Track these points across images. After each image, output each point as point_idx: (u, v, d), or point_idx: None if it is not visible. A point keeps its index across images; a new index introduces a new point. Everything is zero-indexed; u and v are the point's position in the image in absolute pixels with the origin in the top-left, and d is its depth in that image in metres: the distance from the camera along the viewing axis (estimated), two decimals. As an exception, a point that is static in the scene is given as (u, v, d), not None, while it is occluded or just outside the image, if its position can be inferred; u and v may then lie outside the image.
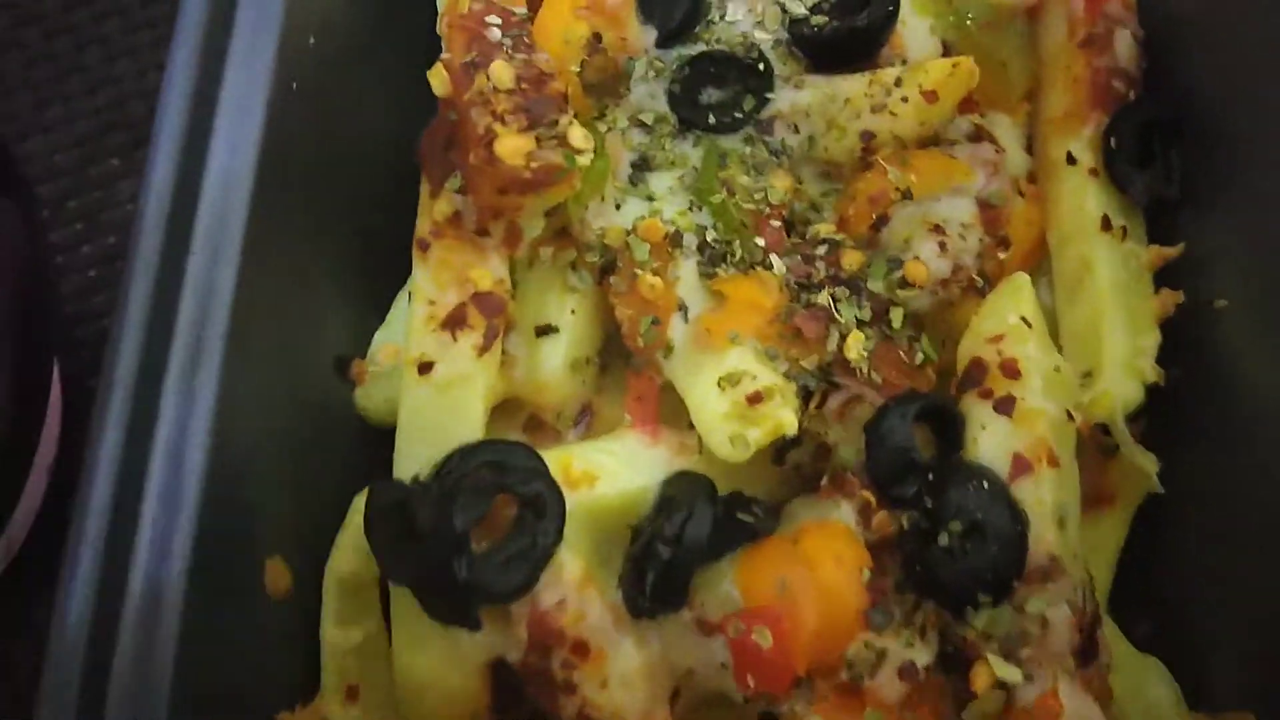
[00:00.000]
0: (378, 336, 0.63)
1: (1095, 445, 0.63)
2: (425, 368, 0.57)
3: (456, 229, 0.57)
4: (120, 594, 0.49)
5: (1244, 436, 0.61)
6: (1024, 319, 0.60)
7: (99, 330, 0.75)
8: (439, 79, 0.57)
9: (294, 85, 0.56)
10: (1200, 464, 0.62)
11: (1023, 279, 0.61)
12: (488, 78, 0.54)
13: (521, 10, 0.59)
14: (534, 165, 0.53)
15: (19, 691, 0.69)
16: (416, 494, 0.52)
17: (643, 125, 0.66)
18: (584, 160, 0.55)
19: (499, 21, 0.57)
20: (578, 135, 0.54)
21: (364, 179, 0.63)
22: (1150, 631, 0.62)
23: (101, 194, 0.78)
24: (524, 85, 0.54)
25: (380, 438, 0.62)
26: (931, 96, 0.61)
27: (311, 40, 0.58)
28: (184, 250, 0.55)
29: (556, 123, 0.53)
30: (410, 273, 0.64)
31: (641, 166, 0.65)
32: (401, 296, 0.64)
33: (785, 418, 0.54)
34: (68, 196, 0.78)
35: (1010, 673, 0.49)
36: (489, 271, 0.57)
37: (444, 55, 0.57)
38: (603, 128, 0.65)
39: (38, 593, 0.70)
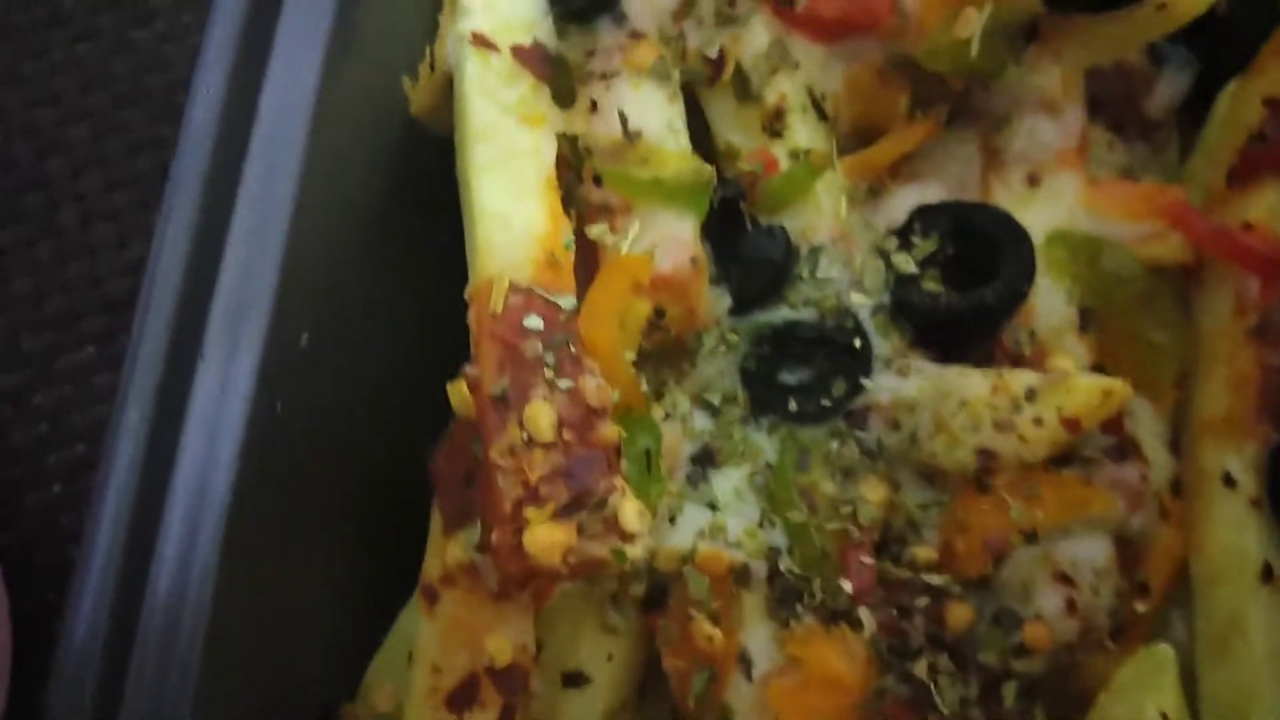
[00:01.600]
0: (374, 666, 0.53)
1: None
2: (427, 753, 0.46)
3: (473, 581, 0.46)
4: None
5: None
6: (1164, 716, 0.48)
7: (64, 555, 0.65)
8: (461, 399, 0.45)
9: (278, 406, 0.45)
10: None
11: (1167, 655, 0.50)
12: (521, 426, 0.42)
13: (569, 301, 0.47)
14: (568, 561, 0.41)
15: None
16: None
17: (708, 407, 0.54)
18: (635, 551, 0.43)
19: (540, 325, 0.45)
20: (630, 516, 0.43)
21: (367, 477, 0.52)
22: None
23: (72, 388, 0.68)
24: (566, 436, 0.42)
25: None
26: (1072, 425, 0.49)
27: (305, 340, 0.47)
28: (148, 559, 0.46)
29: (604, 501, 0.42)
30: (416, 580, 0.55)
31: (704, 460, 0.53)
32: (405, 614, 0.53)
33: None
34: (36, 386, 0.68)
35: None
36: (509, 641, 0.46)
37: (469, 369, 0.45)
38: (660, 412, 0.53)
39: None
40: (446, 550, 0.47)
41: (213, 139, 0.50)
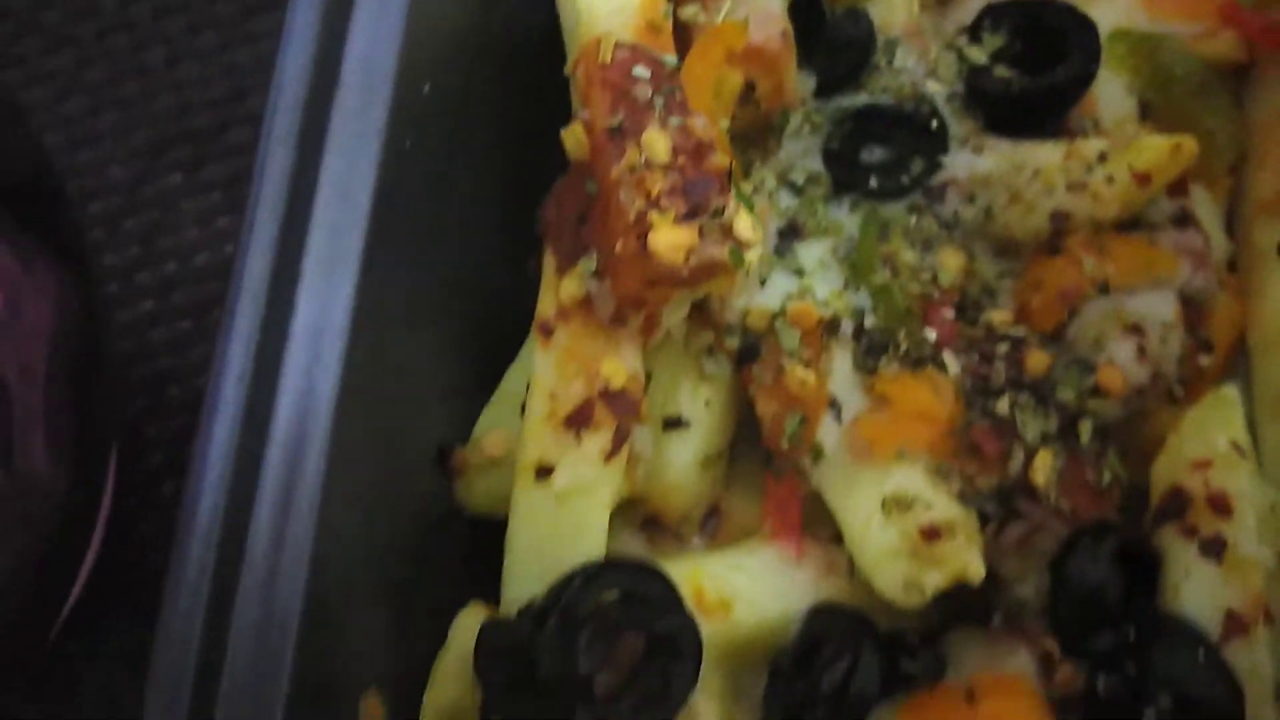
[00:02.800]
0: (483, 418, 0.55)
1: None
2: (543, 473, 0.49)
3: (586, 313, 0.49)
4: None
5: None
6: (1235, 444, 0.51)
7: (157, 373, 0.68)
8: (576, 141, 0.48)
9: (407, 142, 0.48)
10: None
11: (1232, 394, 0.53)
12: (640, 150, 0.45)
13: (672, 59, 0.50)
14: (691, 263, 0.44)
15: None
16: (536, 639, 0.45)
17: (793, 186, 0.57)
18: (752, 255, 0.46)
19: (648, 74, 0.48)
20: (745, 226, 0.46)
21: (474, 240, 0.55)
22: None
23: (160, 214, 0.70)
24: (681, 160, 0.45)
25: (481, 532, 0.55)
26: (1144, 179, 0.52)
27: (427, 88, 0.49)
28: (283, 337, 0.48)
29: (721, 210, 0.45)
30: (521, 345, 0.57)
31: (790, 235, 0.56)
32: (509, 376, 0.56)
33: (972, 562, 0.47)
34: (122, 215, 0.71)
35: None
36: (622, 365, 0.49)
37: (582, 114, 0.48)
38: (748, 188, 0.56)
39: (84, 664, 0.64)
40: (561, 288, 0.50)
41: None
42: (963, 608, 0.53)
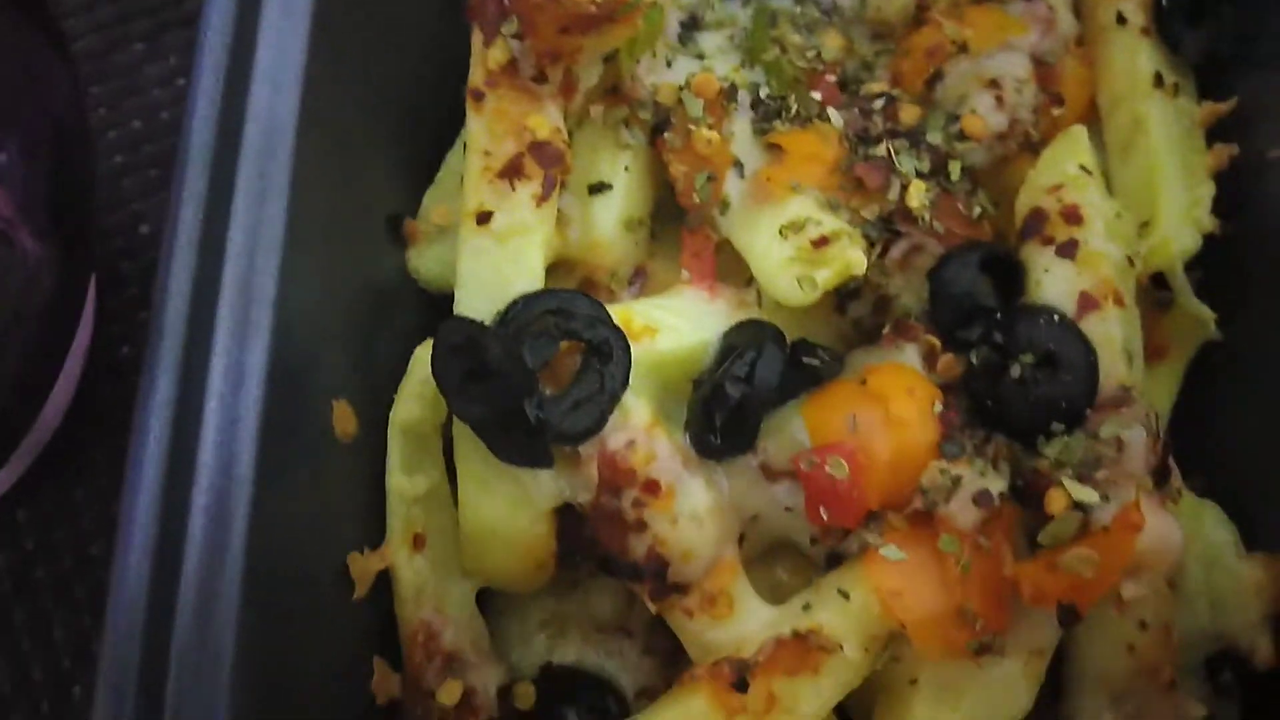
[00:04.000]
0: (428, 197, 0.62)
1: (1149, 300, 0.63)
2: (484, 218, 0.56)
3: (512, 77, 0.56)
4: (195, 439, 0.48)
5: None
6: (1083, 167, 0.60)
7: (130, 215, 0.74)
8: (492, -85, 0.55)
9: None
10: (1256, 316, 0.62)
11: (1079, 130, 0.61)
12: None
13: None
14: (601, 1, 0.52)
15: (65, 576, 0.68)
16: (487, 332, 0.51)
17: (691, -14, 0.65)
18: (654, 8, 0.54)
19: None
20: (641, -29, 0.54)
21: (408, 41, 0.62)
22: (1204, 483, 0.63)
23: (125, 81, 0.77)
24: (584, -77, 0.53)
25: (433, 303, 0.61)
26: (988, -52, 0.61)
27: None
28: (239, 122, 0.53)
29: (622, -39, 0.53)
30: (456, 135, 0.64)
31: (690, 26, 0.64)
32: (450, 157, 0.63)
33: (854, 256, 0.54)
34: (90, 82, 0.77)
35: (1087, 494, 0.49)
36: (546, 120, 0.56)
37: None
38: (654, -15, 0.64)
39: (74, 477, 0.70)
40: (489, 57, 0.57)
41: None
42: (862, 337, 0.61)
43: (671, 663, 0.57)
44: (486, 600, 0.57)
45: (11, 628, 0.68)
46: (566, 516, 0.55)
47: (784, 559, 0.57)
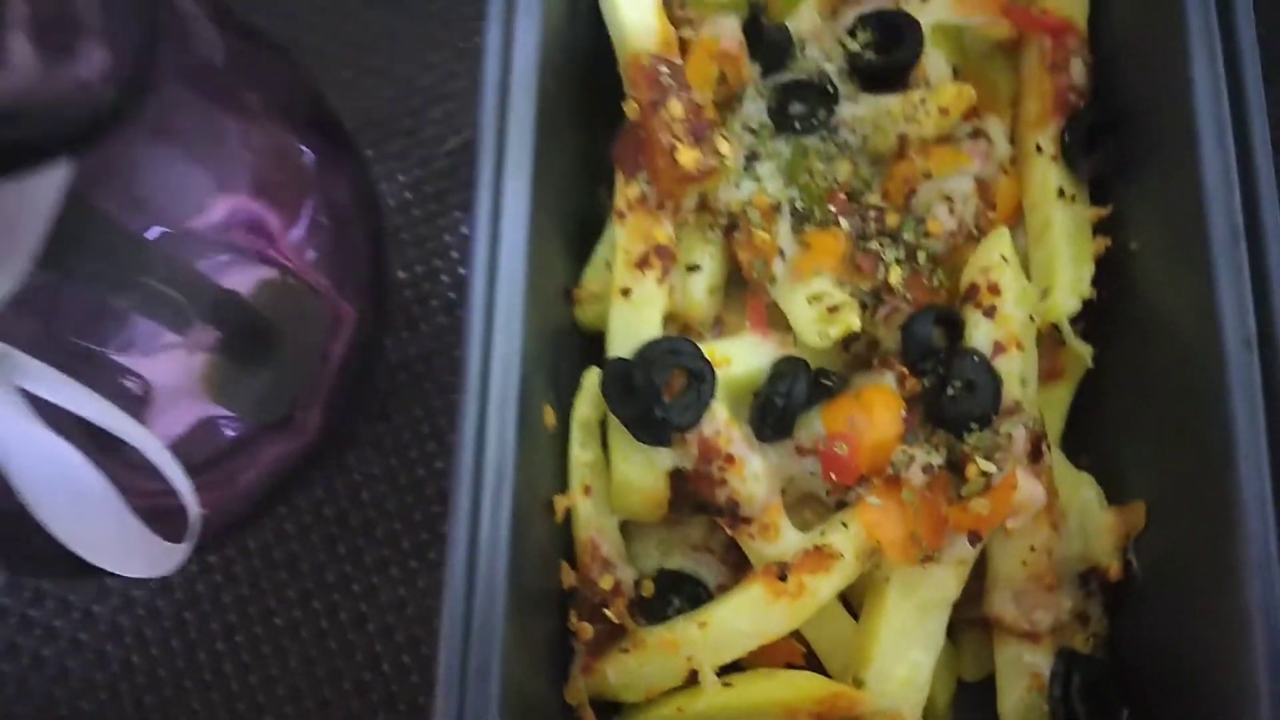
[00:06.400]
0: (586, 274, 0.96)
1: (1050, 340, 0.95)
2: (625, 292, 0.89)
3: (643, 204, 0.89)
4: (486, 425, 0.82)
5: (1150, 333, 0.93)
6: (1003, 256, 0.91)
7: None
8: (631, 109, 0.88)
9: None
10: (1121, 352, 0.95)
11: (1003, 231, 0.92)
12: (667, 111, 0.86)
13: (678, 60, 0.90)
14: (699, 168, 0.85)
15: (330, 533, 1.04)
16: (632, 367, 0.86)
17: (751, 131, 0.97)
18: (728, 163, 0.87)
19: (667, 70, 0.89)
20: (724, 146, 0.87)
21: (571, 180, 0.95)
22: (1089, 462, 0.96)
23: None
24: (689, 115, 0.86)
25: (591, 342, 0.95)
26: (945, 111, 0.92)
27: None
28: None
29: (712, 139, 0.86)
30: (598, 235, 0.98)
31: (751, 159, 0.96)
32: (600, 247, 0.96)
33: (853, 320, 0.87)
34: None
35: (989, 467, 0.83)
36: (663, 231, 0.89)
37: (632, 93, 0.89)
38: (726, 131, 0.97)
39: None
40: (628, 191, 0.90)
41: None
42: (860, 364, 0.95)
43: (740, 568, 0.90)
44: (626, 528, 0.91)
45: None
46: (676, 476, 0.89)
47: (809, 504, 0.90)
